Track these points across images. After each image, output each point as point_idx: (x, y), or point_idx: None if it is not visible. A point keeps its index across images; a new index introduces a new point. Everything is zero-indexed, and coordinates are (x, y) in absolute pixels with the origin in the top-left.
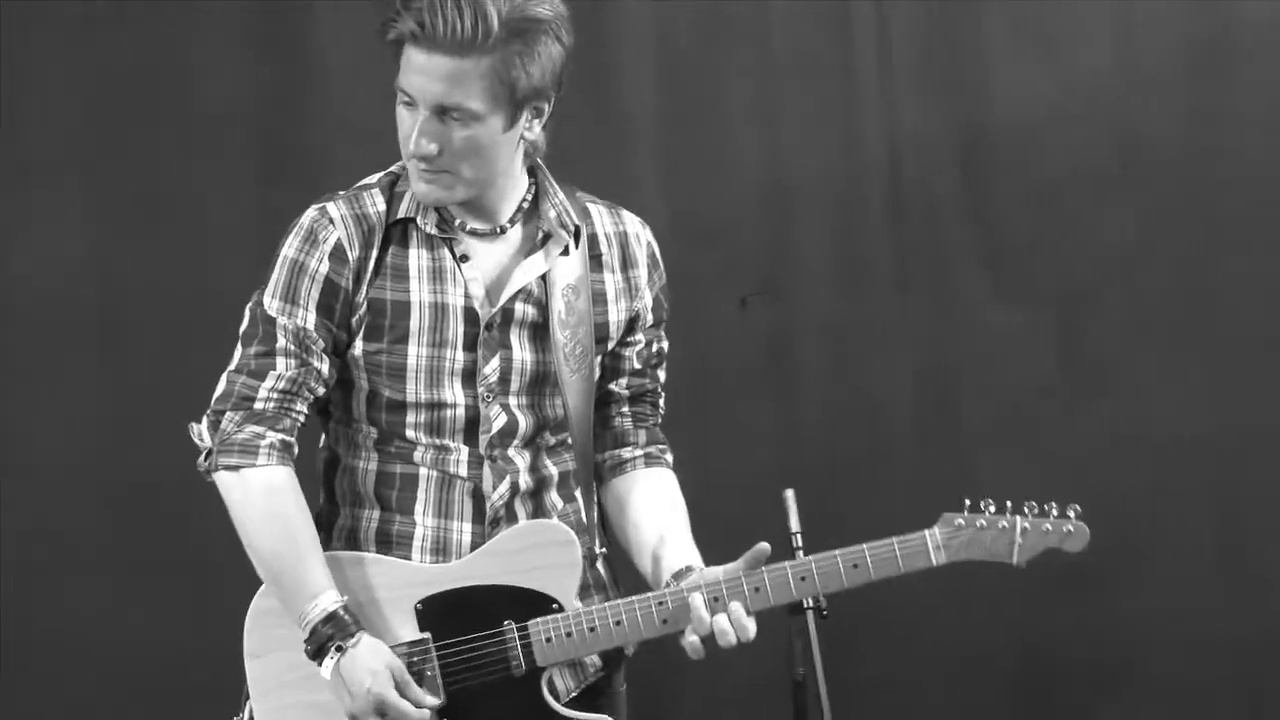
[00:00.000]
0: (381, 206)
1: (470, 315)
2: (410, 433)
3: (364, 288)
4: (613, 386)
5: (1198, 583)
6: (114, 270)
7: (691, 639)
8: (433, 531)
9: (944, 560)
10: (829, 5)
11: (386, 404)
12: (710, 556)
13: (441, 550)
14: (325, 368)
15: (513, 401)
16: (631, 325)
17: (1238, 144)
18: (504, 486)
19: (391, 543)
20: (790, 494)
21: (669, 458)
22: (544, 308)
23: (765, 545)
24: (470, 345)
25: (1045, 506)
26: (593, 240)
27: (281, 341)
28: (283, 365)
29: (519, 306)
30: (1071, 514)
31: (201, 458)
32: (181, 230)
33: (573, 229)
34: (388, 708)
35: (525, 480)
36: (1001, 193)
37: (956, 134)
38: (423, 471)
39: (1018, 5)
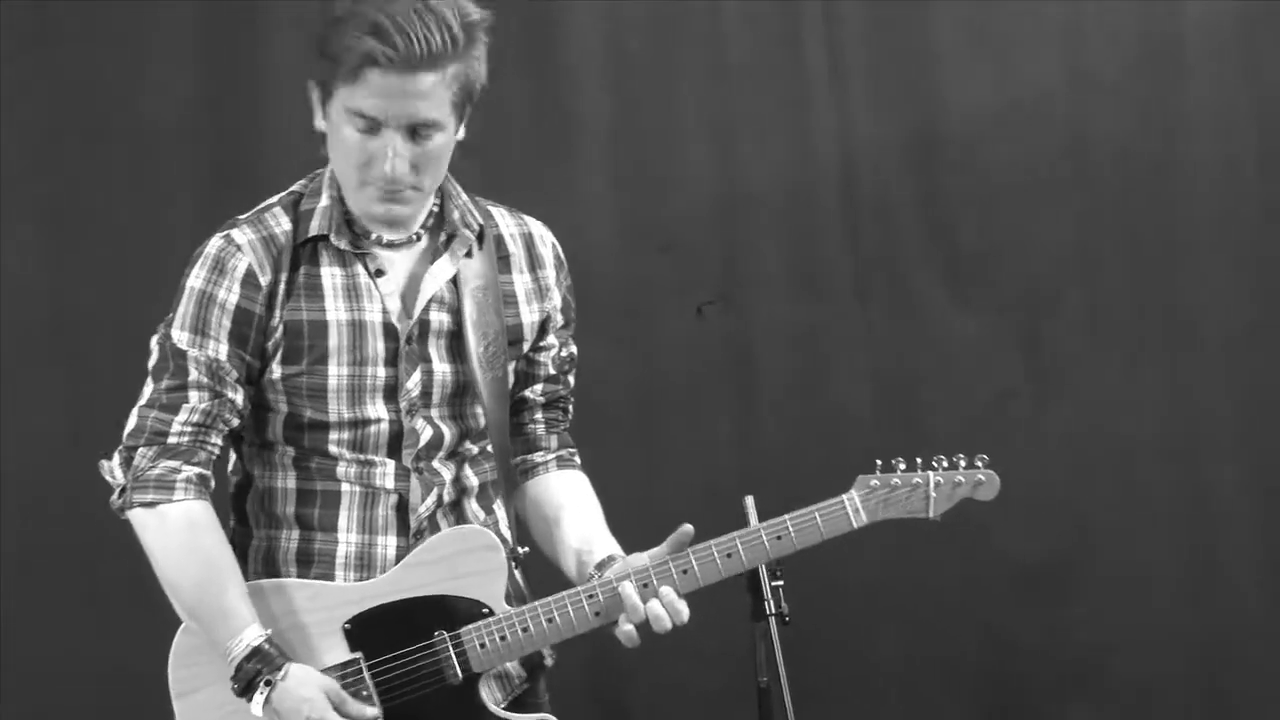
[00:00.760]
0: (287, 226)
1: (389, 330)
2: (333, 449)
3: (278, 311)
4: (527, 393)
5: (1161, 583)
6: (65, 285)
7: (626, 628)
8: (356, 547)
9: (864, 522)
10: (779, 10)
11: (309, 424)
12: None
13: (366, 566)
14: (239, 398)
15: (435, 414)
16: (544, 327)
17: (1189, 145)
18: (430, 499)
19: (312, 562)
20: (750, 501)
21: (578, 460)
22: (457, 313)
23: (689, 527)
24: (391, 360)
25: (954, 459)
26: (499, 241)
27: (194, 374)
28: (196, 398)
29: (434, 316)
30: (980, 464)
31: (115, 495)
32: (131, 245)
33: (476, 229)
34: None
35: (449, 491)
36: (956, 198)
37: (910, 139)
38: (345, 488)
39: (968, 7)
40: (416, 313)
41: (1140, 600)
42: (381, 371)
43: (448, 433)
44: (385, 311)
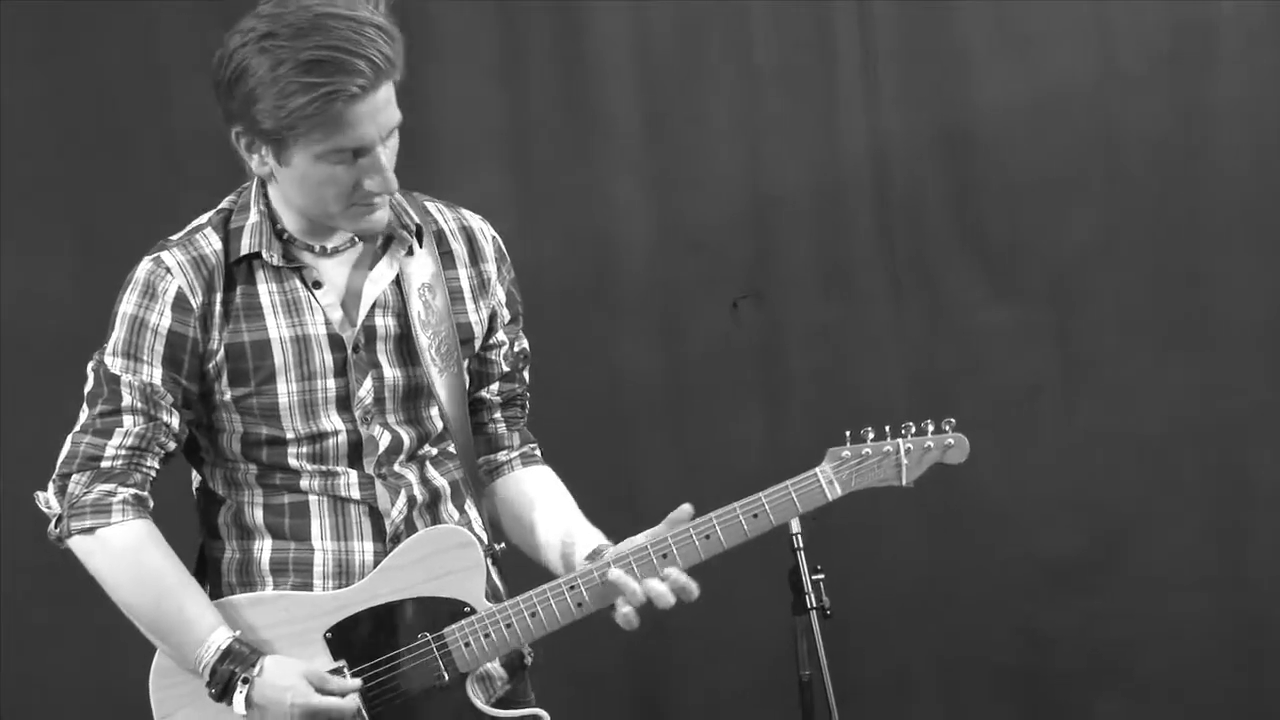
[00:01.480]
0: (218, 246)
1: (335, 341)
2: (294, 463)
3: (215, 333)
4: (484, 394)
5: (1193, 576)
6: (95, 298)
7: (625, 610)
8: (333, 555)
9: (838, 494)
10: (810, 9)
11: (266, 440)
12: (706, 564)
13: (344, 573)
14: (175, 422)
15: (391, 419)
16: (492, 323)
17: (1220, 139)
18: (401, 501)
19: (289, 571)
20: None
21: (539, 454)
22: (403, 316)
23: (688, 507)
24: (340, 371)
25: (922, 425)
26: (440, 237)
27: (127, 399)
28: (130, 422)
29: (379, 321)
30: (948, 427)
31: (52, 525)
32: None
33: (414, 227)
34: (317, 712)
35: (420, 492)
36: (987, 194)
37: (940, 135)
38: (312, 498)
39: (996, 4)
40: (360, 320)
41: (1172, 594)
42: (331, 383)
43: (406, 437)
44: (327, 323)
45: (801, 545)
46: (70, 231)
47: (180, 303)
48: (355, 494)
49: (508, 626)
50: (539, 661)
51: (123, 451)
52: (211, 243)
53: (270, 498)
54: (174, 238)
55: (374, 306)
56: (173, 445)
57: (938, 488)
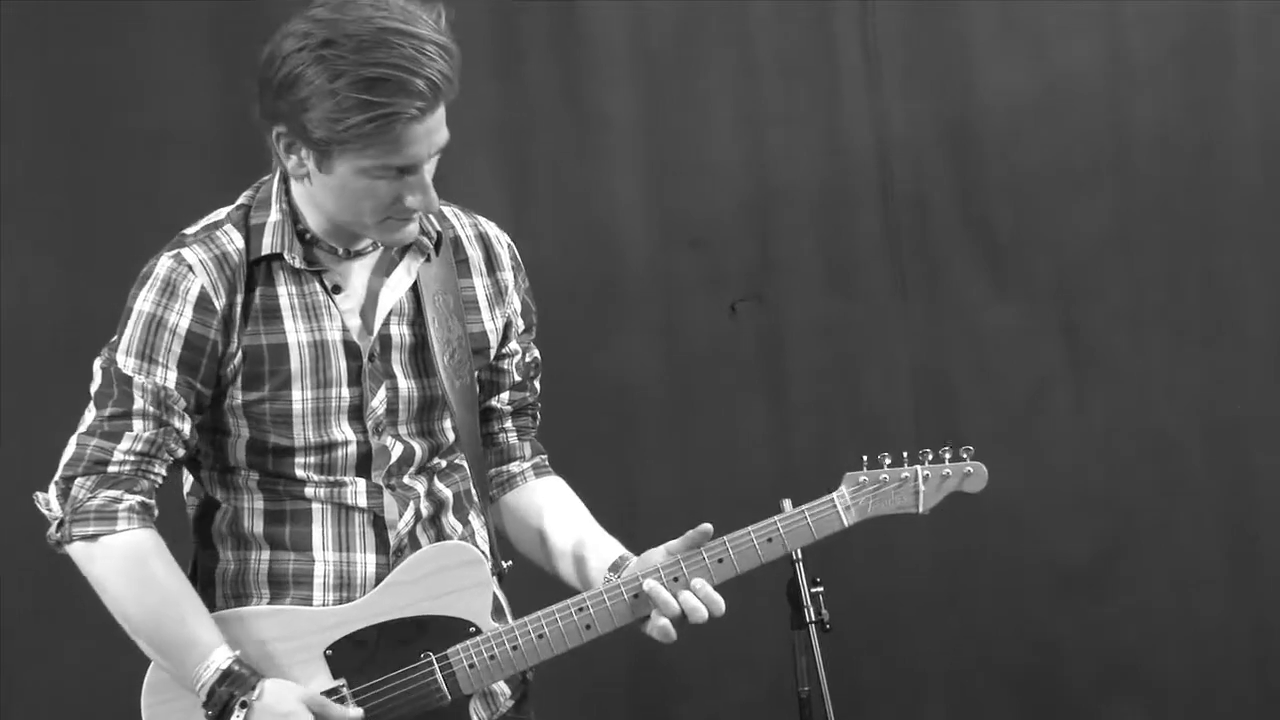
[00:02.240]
0: (240, 244)
1: (351, 349)
2: (300, 472)
3: (235, 335)
4: (494, 403)
5: (1206, 578)
6: (81, 296)
7: (660, 622)
8: (334, 566)
9: (854, 520)
10: (811, 2)
11: (273, 449)
12: None
13: (345, 586)
14: (187, 428)
15: (403, 431)
16: (506, 333)
17: (1234, 131)
18: (409, 513)
19: (288, 583)
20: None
21: (548, 464)
22: (418, 325)
23: (708, 526)
24: (355, 380)
25: (940, 451)
26: (456, 244)
27: (139, 403)
28: (140, 426)
29: (395, 330)
30: (966, 455)
31: (53, 529)
32: (144, 253)
33: (434, 235)
34: None
35: (426, 505)
36: (994, 188)
37: (945, 128)
38: (316, 506)
39: None
40: (376, 328)
41: (1184, 596)
42: (346, 392)
43: (418, 449)
44: (345, 329)
45: (799, 557)
46: (45, 228)
47: (203, 303)
48: (362, 502)
49: (514, 648)
50: (539, 677)
51: (131, 457)
52: (234, 240)
53: (271, 504)
54: (191, 232)
55: (390, 314)
56: (181, 452)
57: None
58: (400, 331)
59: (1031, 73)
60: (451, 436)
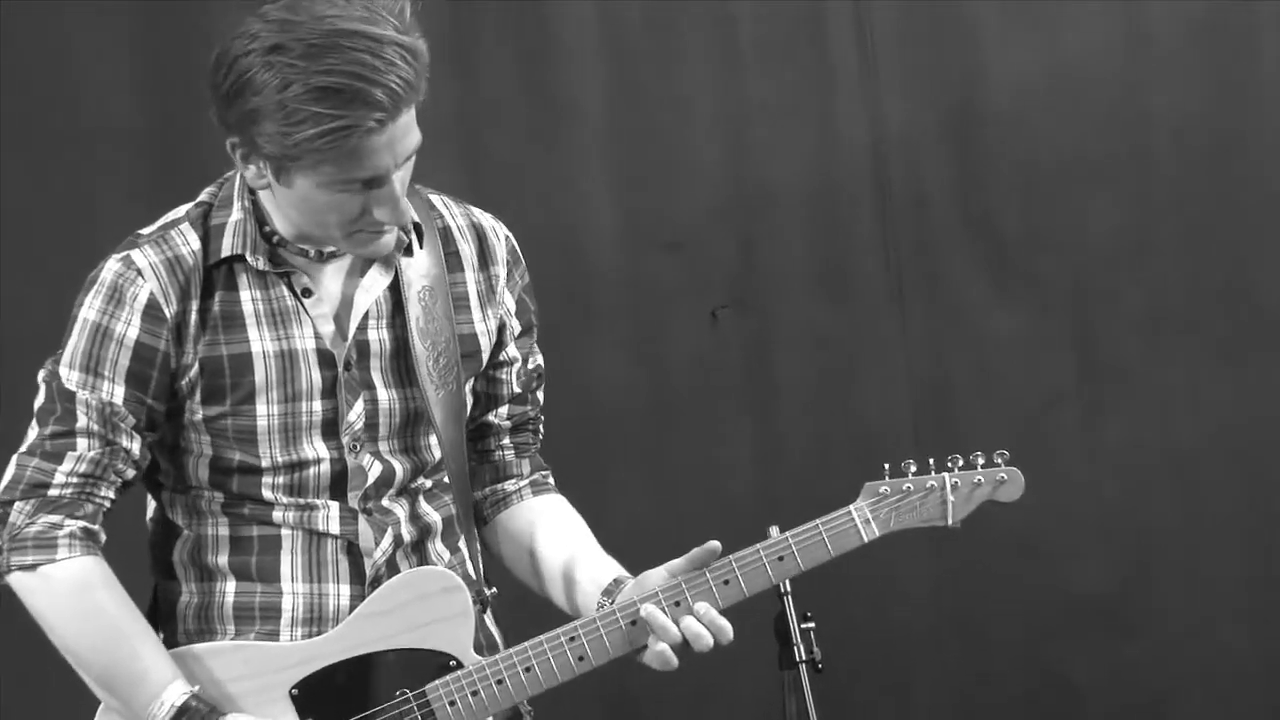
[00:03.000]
0: (196, 245)
1: (324, 357)
2: (267, 494)
3: (190, 346)
4: (491, 418)
5: (1229, 611)
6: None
7: (658, 648)
8: (304, 599)
9: (875, 535)
10: None
11: (238, 468)
12: None
13: (317, 620)
14: (136, 447)
15: (383, 448)
16: (500, 336)
17: (1260, 120)
18: (386, 541)
19: (255, 617)
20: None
21: (552, 482)
22: (398, 327)
23: (716, 544)
24: (329, 392)
25: (970, 457)
26: (445, 235)
27: (83, 420)
28: (84, 446)
29: (373, 334)
30: (1000, 460)
31: None
32: (72, 251)
33: (410, 225)
34: None
35: (408, 531)
36: (999, 183)
37: (946, 119)
38: (285, 532)
39: None
40: (352, 333)
41: (1207, 632)
42: (318, 405)
43: (399, 468)
44: (318, 336)
45: (788, 589)
46: None
47: (152, 311)
48: (334, 528)
49: (499, 683)
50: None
51: (74, 479)
52: (189, 241)
53: (237, 529)
54: (146, 232)
55: (366, 317)
56: (131, 473)
57: None
58: (379, 336)
59: (1040, 56)
60: (437, 454)
